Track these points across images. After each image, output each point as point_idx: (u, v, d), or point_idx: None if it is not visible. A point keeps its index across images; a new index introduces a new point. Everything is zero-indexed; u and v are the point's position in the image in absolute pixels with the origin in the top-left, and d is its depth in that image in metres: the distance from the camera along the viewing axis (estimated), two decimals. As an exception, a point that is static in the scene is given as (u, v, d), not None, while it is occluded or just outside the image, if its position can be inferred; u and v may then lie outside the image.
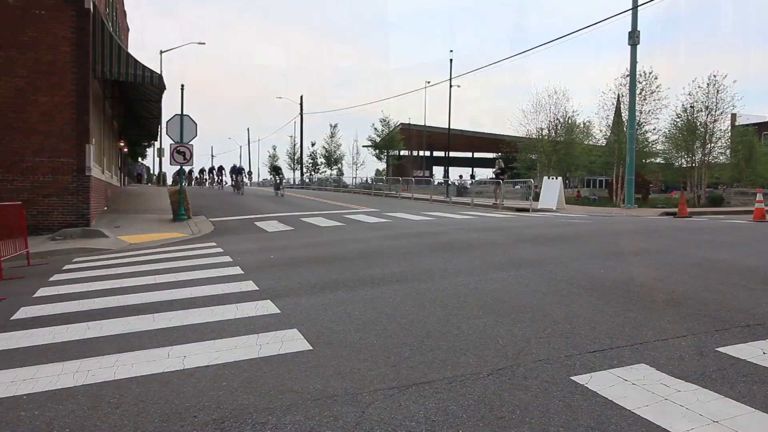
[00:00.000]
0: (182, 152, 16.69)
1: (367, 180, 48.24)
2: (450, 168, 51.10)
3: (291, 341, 4.32)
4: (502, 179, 23.61)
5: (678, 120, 29.83)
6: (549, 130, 34.18)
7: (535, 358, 3.82)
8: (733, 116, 32.46)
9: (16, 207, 9.74)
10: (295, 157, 65.03)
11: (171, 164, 17.03)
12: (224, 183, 43.68)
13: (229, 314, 5.22)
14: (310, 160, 64.52)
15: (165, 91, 17.09)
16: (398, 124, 53.65)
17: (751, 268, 6.97)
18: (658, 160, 33.61)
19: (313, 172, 63.04)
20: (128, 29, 30.28)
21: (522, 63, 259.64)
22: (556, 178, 22.28)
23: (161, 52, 37.86)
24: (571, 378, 3.46)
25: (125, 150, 34.15)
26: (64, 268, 8.81)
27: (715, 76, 28.17)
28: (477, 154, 71.67)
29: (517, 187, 30.01)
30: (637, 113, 25.59)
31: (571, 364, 3.71)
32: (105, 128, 19.04)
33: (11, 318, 5.49)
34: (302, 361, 3.87)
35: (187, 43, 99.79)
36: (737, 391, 3.24)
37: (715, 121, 28.86)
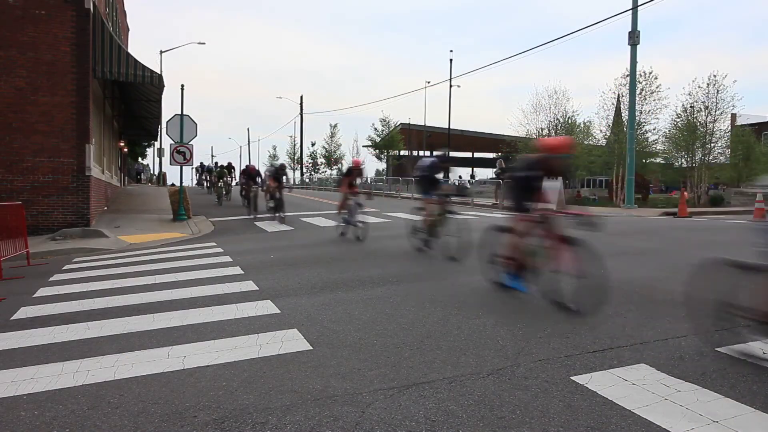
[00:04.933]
0: (182, 152, 16.69)
1: (367, 180, 48.16)
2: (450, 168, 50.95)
3: (291, 341, 4.32)
4: (503, 179, 23.63)
5: (678, 120, 29.80)
6: (549, 130, 34.13)
7: (535, 358, 3.82)
8: (733, 116, 32.39)
9: (16, 207, 9.74)
10: (295, 157, 65.04)
11: (171, 164, 17.02)
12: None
13: (229, 314, 5.22)
14: (310, 160, 64.54)
15: (165, 91, 17.11)
16: (398, 124, 53.58)
17: (751, 268, 6.96)
18: (658, 160, 33.54)
19: (313, 172, 63.10)
20: (128, 29, 30.28)
21: (523, 63, 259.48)
22: (556, 179, 22.24)
23: (161, 52, 37.75)
24: (571, 378, 3.46)
25: (125, 150, 34.11)
26: (64, 268, 8.81)
27: (715, 76, 28.16)
28: (477, 154, 71.58)
29: (517, 187, 29.82)
30: (637, 113, 25.55)
31: (571, 364, 3.71)
32: (105, 128, 19.03)
33: (11, 318, 5.49)
34: (302, 361, 3.87)
35: (187, 43, 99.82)
36: (737, 391, 3.24)
37: (714, 121, 28.83)
